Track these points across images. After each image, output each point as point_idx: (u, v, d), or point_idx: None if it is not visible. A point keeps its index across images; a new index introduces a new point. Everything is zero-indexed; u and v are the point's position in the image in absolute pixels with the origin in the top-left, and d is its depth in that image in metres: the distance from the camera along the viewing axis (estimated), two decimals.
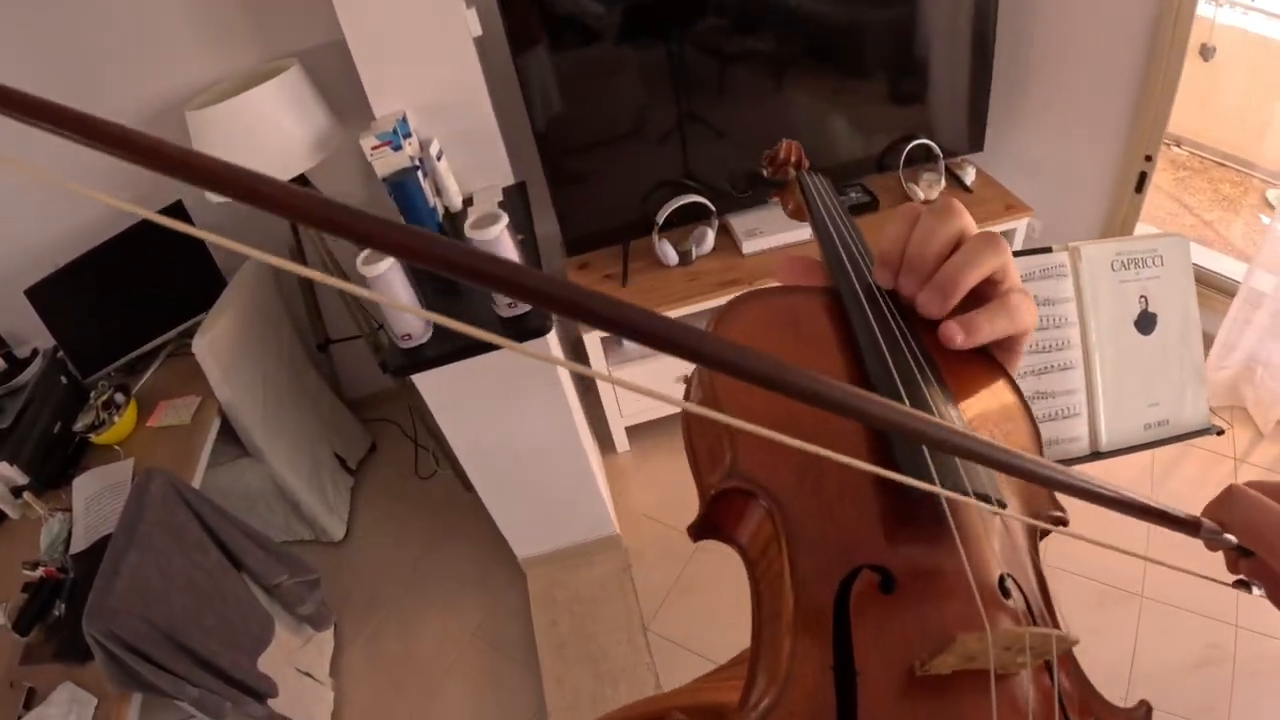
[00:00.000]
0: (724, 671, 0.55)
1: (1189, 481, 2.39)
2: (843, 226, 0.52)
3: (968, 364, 0.41)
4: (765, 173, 0.70)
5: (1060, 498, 0.40)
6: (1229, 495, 0.38)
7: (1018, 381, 0.42)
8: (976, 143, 2.57)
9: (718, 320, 0.42)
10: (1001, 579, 0.34)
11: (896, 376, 0.38)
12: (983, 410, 0.40)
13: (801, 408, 0.35)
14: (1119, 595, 2.12)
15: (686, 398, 0.41)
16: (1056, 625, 0.35)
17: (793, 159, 0.69)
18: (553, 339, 1.82)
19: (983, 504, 0.34)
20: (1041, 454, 0.40)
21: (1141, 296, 1.42)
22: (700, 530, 0.38)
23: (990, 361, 0.42)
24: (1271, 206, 3.44)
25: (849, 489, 0.35)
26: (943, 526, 0.34)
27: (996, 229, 2.42)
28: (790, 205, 0.68)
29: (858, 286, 0.44)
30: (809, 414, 0.35)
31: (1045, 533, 0.38)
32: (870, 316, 0.41)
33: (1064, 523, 0.38)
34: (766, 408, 0.36)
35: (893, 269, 0.42)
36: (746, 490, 0.36)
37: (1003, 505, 0.35)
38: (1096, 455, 1.40)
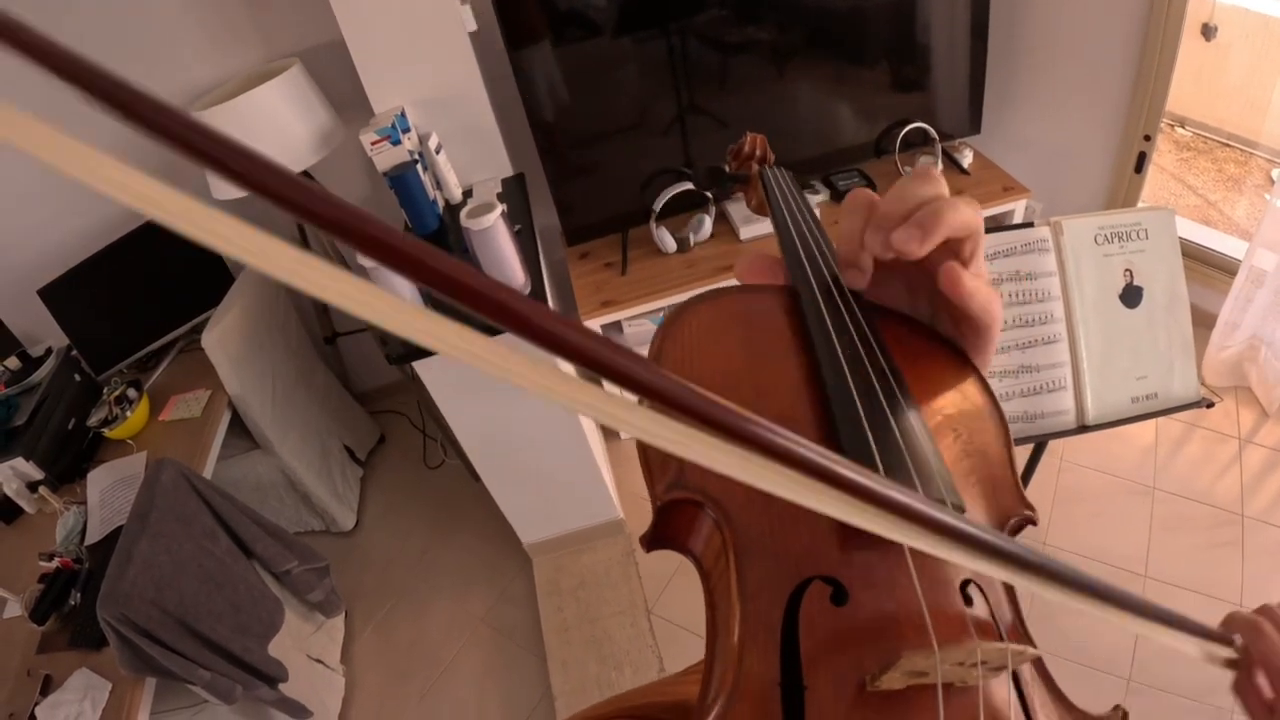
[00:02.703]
0: (695, 669, 0.54)
1: (1194, 462, 2.38)
2: (803, 223, 0.50)
3: (931, 362, 0.40)
4: (729, 167, 0.68)
5: (1031, 494, 0.37)
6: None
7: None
8: (974, 125, 2.57)
9: (669, 322, 0.40)
10: (964, 585, 0.32)
11: (850, 378, 0.36)
12: (947, 410, 0.39)
13: (752, 405, 0.36)
14: (1123, 577, 2.12)
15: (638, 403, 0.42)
16: (1026, 631, 0.34)
17: (757, 153, 0.67)
18: None
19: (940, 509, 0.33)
20: (1011, 452, 0.39)
21: (1126, 270, 1.44)
22: (652, 541, 0.37)
23: (956, 358, 0.41)
24: (1275, 184, 3.42)
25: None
26: None
27: (995, 211, 2.44)
28: (753, 201, 0.66)
29: (814, 284, 0.42)
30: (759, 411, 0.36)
31: (1015, 531, 0.37)
32: (825, 314, 0.40)
33: (1033, 522, 0.37)
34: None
35: (864, 216, 0.38)
36: (695, 501, 0.35)
37: (960, 509, 0.33)
38: (1084, 429, 1.41)
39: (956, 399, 0.39)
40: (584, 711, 0.46)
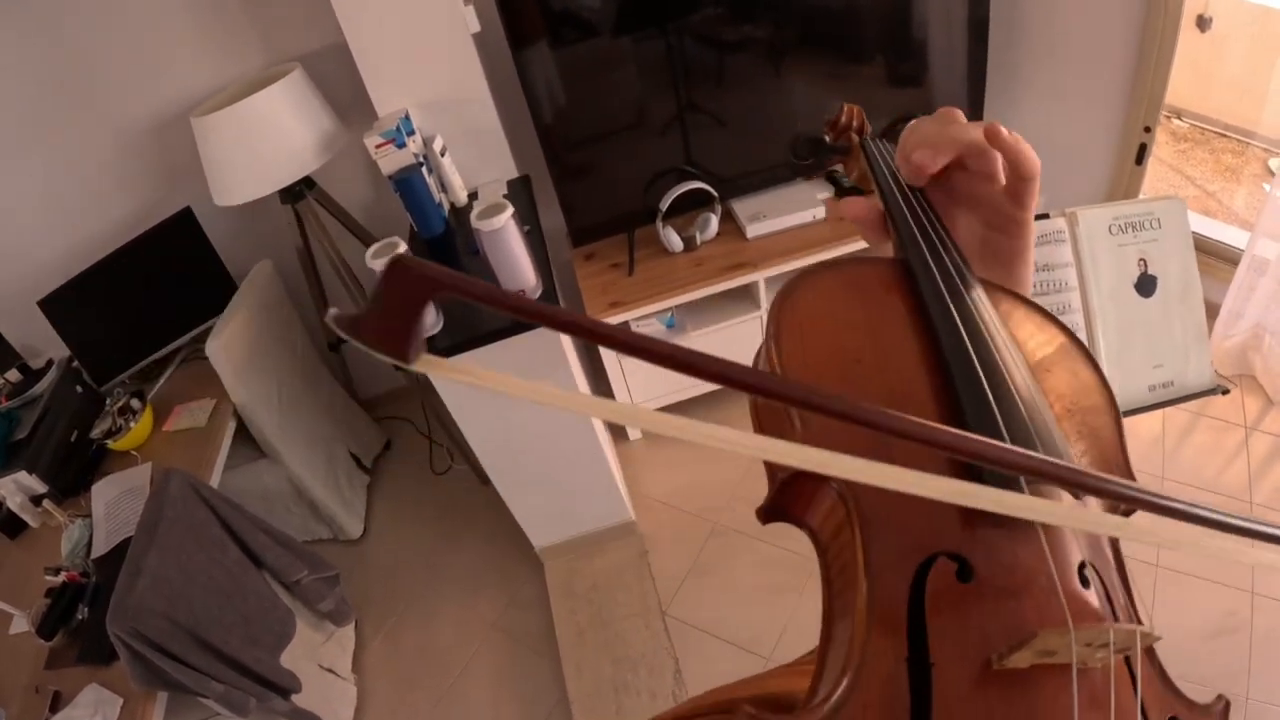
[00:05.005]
0: (794, 666, 0.53)
1: (1201, 451, 2.39)
2: (912, 196, 0.49)
3: (1048, 341, 0.40)
4: (827, 139, 0.67)
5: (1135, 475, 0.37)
6: None
7: None
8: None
9: (784, 295, 0.40)
10: (1081, 566, 0.32)
11: (973, 355, 0.36)
12: (1064, 391, 0.39)
13: (870, 386, 0.36)
14: (1135, 566, 2.10)
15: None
16: (1137, 615, 0.34)
17: (854, 124, 0.65)
18: None
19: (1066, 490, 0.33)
20: (1123, 435, 0.39)
21: (1140, 259, 1.44)
22: (769, 514, 0.38)
23: (1071, 340, 0.41)
24: (1273, 174, 3.44)
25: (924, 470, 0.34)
26: None
27: None
28: (854, 173, 0.64)
29: (929, 259, 0.42)
30: (876, 392, 0.36)
31: (1126, 514, 0.35)
32: (944, 289, 0.40)
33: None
34: (835, 388, 0.34)
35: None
36: (817, 474, 0.33)
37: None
38: None
39: (1072, 380, 0.39)
40: (670, 710, 0.46)
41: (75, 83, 2.17)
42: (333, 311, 0.24)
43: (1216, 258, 2.60)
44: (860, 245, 2.44)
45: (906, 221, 0.46)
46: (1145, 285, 1.45)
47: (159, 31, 2.15)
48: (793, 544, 2.30)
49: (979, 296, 0.40)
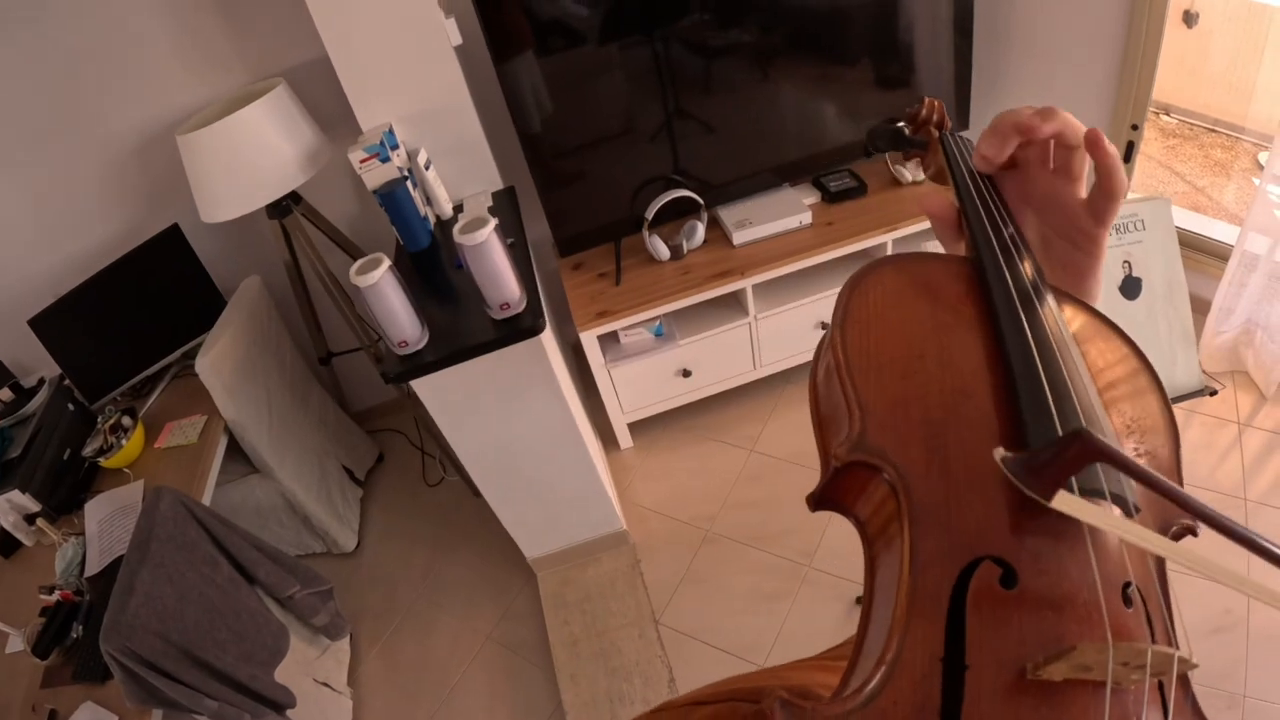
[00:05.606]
0: (809, 661, 0.53)
1: (1194, 448, 2.38)
2: (989, 195, 0.49)
3: (1115, 356, 0.41)
4: (906, 132, 0.66)
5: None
6: None
7: None
8: (962, 120, 2.58)
9: (854, 284, 0.40)
10: (1125, 586, 0.32)
11: (1038, 360, 0.37)
12: (1126, 408, 0.39)
13: (931, 384, 0.36)
14: None
15: (816, 360, 0.42)
16: (1177, 642, 0.34)
17: (935, 118, 0.65)
18: (548, 338, 1.84)
19: (1118, 508, 0.33)
20: (1179, 456, 0.40)
21: (1125, 262, 1.44)
22: (819, 501, 0.38)
23: (1137, 356, 0.41)
24: (1263, 169, 3.44)
25: (977, 473, 0.33)
26: (1074, 525, 0.32)
27: None
28: (931, 168, 0.64)
29: (1001, 260, 0.42)
30: (937, 390, 0.36)
31: (1176, 539, 0.36)
32: (1013, 292, 0.40)
33: (1194, 533, 0.37)
34: (897, 383, 0.37)
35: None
36: (873, 465, 0.34)
37: (1137, 509, 0.34)
38: None
39: (1137, 399, 0.40)
40: (684, 696, 0.46)
41: (60, 102, 2.18)
42: (1001, 453, 0.30)
43: (1207, 254, 2.60)
44: (849, 250, 2.45)
45: (981, 221, 0.46)
46: (1130, 288, 1.45)
47: (143, 49, 2.15)
48: (785, 550, 2.30)
49: (1050, 305, 0.40)
